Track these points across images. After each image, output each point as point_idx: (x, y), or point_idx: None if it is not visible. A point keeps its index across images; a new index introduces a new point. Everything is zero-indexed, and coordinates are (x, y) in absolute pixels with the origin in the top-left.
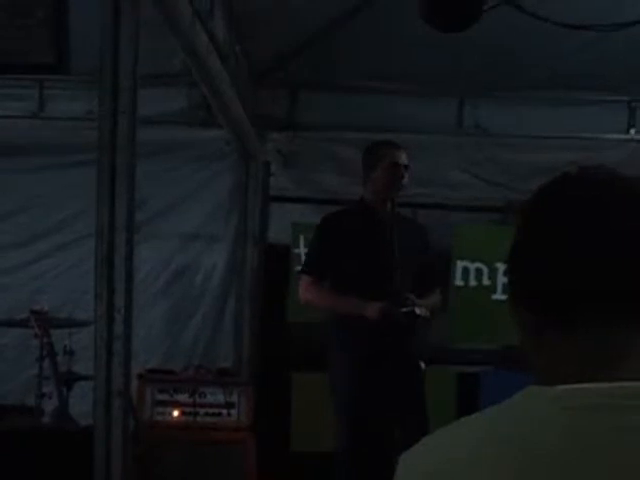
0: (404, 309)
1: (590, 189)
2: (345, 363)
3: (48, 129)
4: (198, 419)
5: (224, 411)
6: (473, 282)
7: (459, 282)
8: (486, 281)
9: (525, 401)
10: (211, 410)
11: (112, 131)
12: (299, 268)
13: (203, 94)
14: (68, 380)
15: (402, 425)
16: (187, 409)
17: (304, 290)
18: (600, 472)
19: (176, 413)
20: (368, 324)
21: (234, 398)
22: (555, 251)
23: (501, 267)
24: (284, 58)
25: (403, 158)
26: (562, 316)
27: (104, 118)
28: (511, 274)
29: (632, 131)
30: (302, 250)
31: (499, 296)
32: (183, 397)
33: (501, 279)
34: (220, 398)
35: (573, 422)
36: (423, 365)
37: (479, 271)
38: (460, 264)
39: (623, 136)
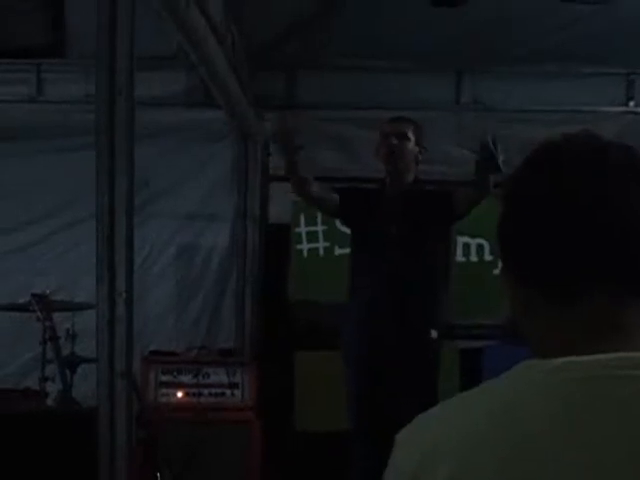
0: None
1: (576, 156)
2: (351, 337)
3: (46, 113)
4: (202, 400)
5: (228, 391)
6: (474, 258)
7: (460, 258)
8: (487, 256)
9: (523, 375)
10: (215, 390)
11: (110, 114)
12: (300, 247)
13: (201, 75)
14: (72, 363)
15: (404, 404)
16: (191, 390)
17: None
18: (600, 442)
19: (180, 394)
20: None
21: (237, 378)
22: (546, 223)
23: None
24: (281, 38)
25: (393, 129)
26: (553, 289)
27: (101, 101)
28: (501, 248)
29: (631, 103)
30: (303, 229)
31: None
32: (187, 378)
33: None
34: (223, 378)
35: (572, 394)
36: (435, 334)
37: (480, 247)
38: (461, 240)
39: (622, 108)
